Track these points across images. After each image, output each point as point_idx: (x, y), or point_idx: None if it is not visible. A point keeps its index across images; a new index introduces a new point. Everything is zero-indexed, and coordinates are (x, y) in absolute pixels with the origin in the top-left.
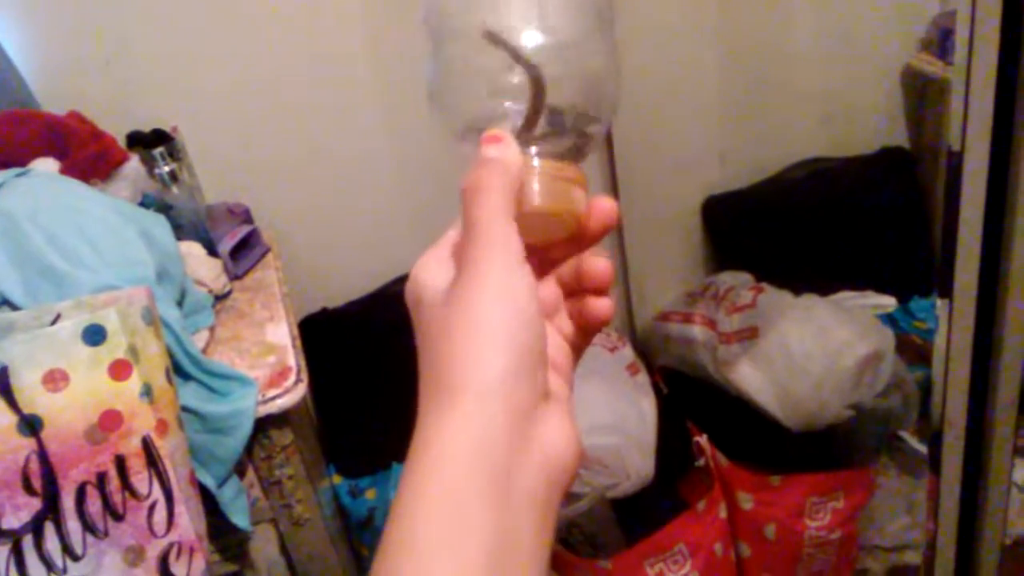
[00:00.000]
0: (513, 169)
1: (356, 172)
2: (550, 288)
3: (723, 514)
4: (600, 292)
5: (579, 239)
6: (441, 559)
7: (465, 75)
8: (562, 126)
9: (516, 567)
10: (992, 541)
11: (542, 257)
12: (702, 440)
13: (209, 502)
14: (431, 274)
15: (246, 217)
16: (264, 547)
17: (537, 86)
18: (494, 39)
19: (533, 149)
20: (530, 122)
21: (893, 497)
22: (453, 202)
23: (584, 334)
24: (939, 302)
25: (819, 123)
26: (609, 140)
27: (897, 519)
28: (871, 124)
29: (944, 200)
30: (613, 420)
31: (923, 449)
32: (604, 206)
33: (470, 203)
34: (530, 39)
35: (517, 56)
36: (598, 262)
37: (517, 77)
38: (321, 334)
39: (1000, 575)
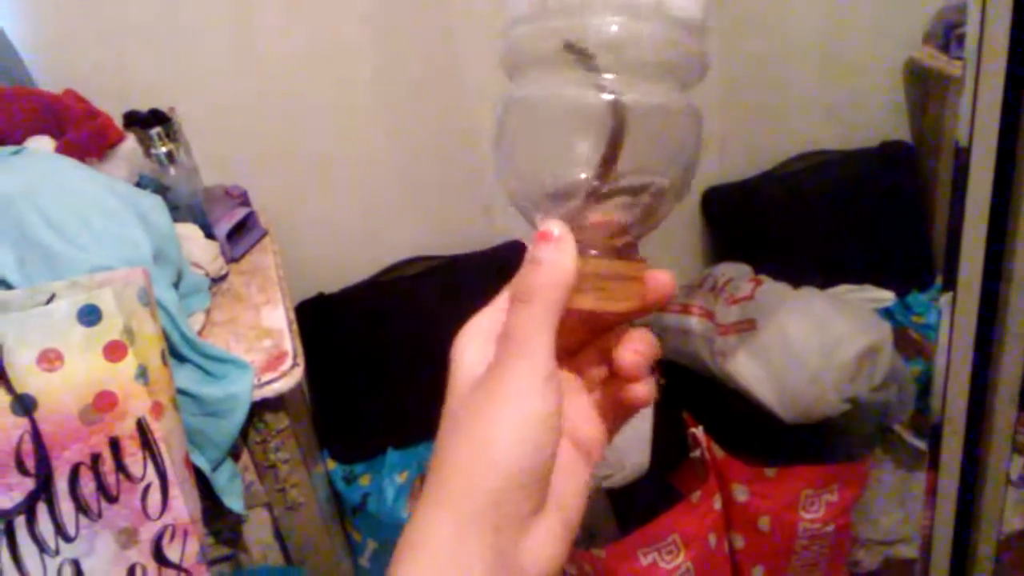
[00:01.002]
0: (565, 277)
1: (355, 156)
2: (593, 361)
3: (718, 505)
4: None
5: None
6: None
7: (537, 141)
8: (630, 193)
9: None
10: (989, 535)
11: (594, 325)
12: (698, 431)
13: (203, 485)
14: (469, 352)
15: (243, 200)
16: (258, 531)
17: (618, 118)
18: (573, 49)
19: (592, 252)
20: (604, 171)
21: (887, 490)
22: (453, 189)
23: (619, 414)
24: (943, 296)
25: (820, 116)
26: None
27: (891, 512)
28: (872, 117)
29: (951, 195)
30: None
31: (918, 443)
32: (661, 280)
33: (512, 309)
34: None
35: (592, 68)
36: (625, 356)
37: (592, 147)
38: (317, 319)
39: (995, 570)
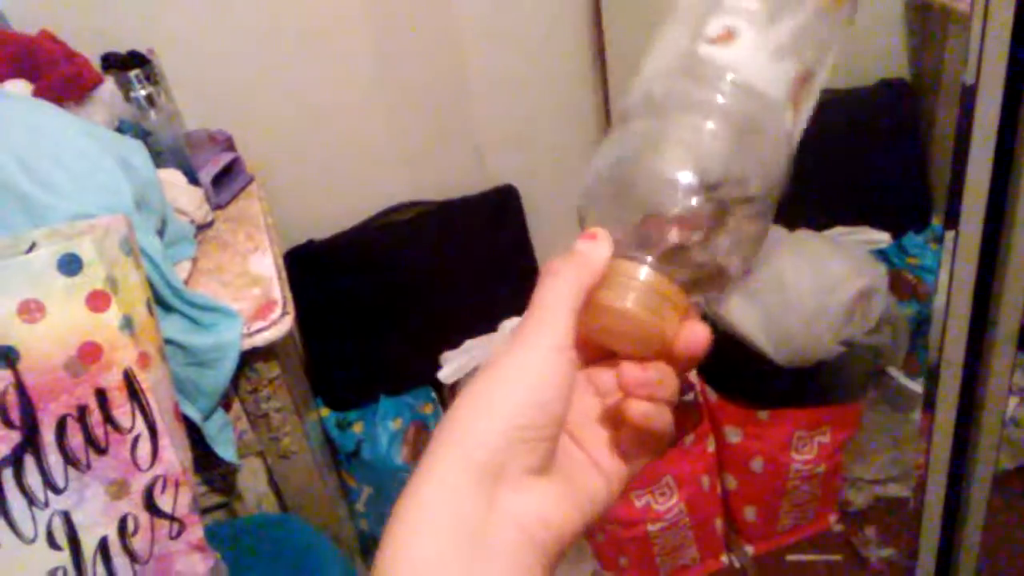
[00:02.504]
0: (593, 265)
1: (343, 100)
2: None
3: (711, 448)
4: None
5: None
6: None
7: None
8: (691, 262)
9: None
10: (984, 476)
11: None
12: (691, 375)
13: (195, 435)
14: None
15: (228, 144)
16: (252, 479)
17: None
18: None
19: (648, 258)
20: (672, 250)
21: (879, 431)
22: (443, 133)
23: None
24: (945, 234)
25: None
26: (604, 86)
27: (882, 453)
28: (870, 55)
29: (955, 134)
30: None
31: (911, 385)
32: (696, 331)
33: (540, 284)
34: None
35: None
36: (627, 372)
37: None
38: (307, 266)
39: (988, 510)
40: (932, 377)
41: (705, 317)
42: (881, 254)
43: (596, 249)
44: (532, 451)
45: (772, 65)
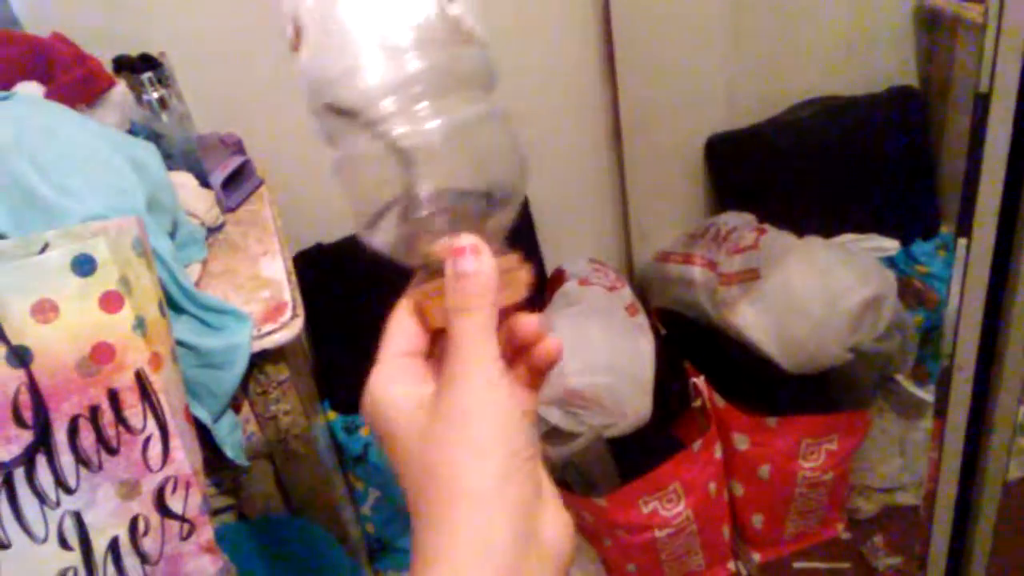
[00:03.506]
0: (493, 283)
1: None
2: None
3: (718, 454)
4: (535, 342)
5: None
6: None
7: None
8: (467, 211)
9: None
10: (994, 483)
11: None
12: (699, 381)
13: (204, 437)
14: (395, 387)
15: (238, 148)
16: (260, 481)
17: (405, 157)
18: (337, 111)
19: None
20: (409, 203)
21: (887, 439)
22: None
23: (540, 375)
24: (957, 242)
25: (827, 61)
26: (612, 78)
27: (890, 461)
28: (881, 62)
29: (968, 141)
30: (611, 360)
31: (919, 392)
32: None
33: (456, 323)
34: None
35: (366, 122)
36: (526, 323)
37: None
38: (316, 269)
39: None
40: (943, 383)
41: (714, 326)
42: (890, 261)
43: (485, 265)
44: (534, 473)
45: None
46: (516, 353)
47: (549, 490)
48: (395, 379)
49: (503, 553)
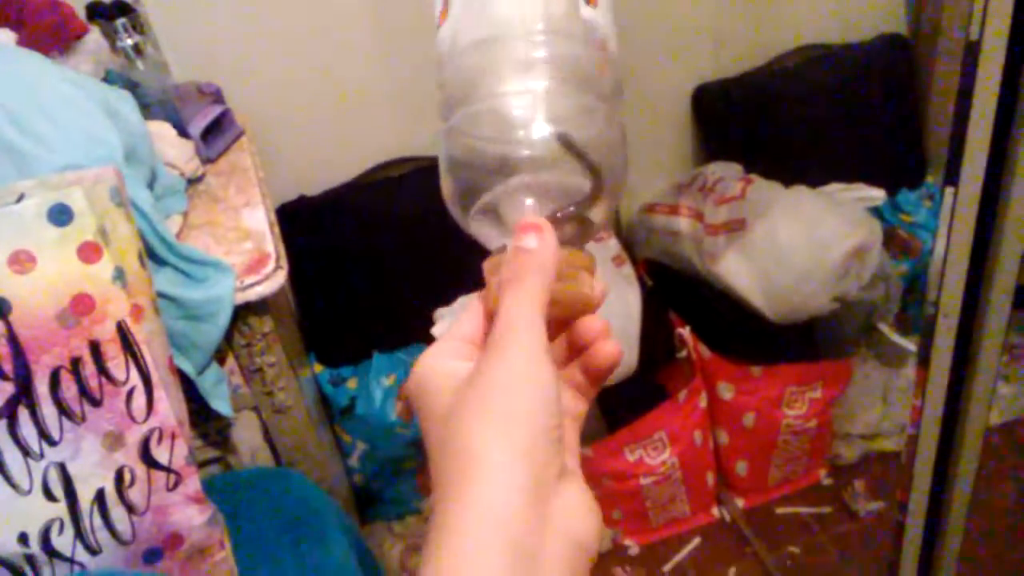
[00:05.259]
0: (551, 263)
1: (335, 52)
2: (560, 345)
3: (703, 403)
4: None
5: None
6: None
7: (478, 152)
8: (557, 197)
9: None
10: (976, 431)
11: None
12: (685, 332)
13: (190, 389)
14: (446, 361)
15: (217, 97)
16: (247, 433)
17: (597, 187)
18: (567, 144)
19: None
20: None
21: (869, 387)
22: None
23: (594, 380)
24: (945, 190)
25: (815, 8)
26: None
27: (872, 408)
28: (868, 9)
29: (958, 89)
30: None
31: (902, 341)
32: (598, 290)
33: (507, 292)
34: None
35: (586, 162)
36: (587, 320)
37: (527, 151)
38: (300, 222)
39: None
40: (928, 331)
41: (699, 276)
42: (875, 211)
43: (547, 244)
44: (558, 453)
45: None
46: (573, 352)
47: (576, 477)
48: (446, 355)
49: (518, 528)
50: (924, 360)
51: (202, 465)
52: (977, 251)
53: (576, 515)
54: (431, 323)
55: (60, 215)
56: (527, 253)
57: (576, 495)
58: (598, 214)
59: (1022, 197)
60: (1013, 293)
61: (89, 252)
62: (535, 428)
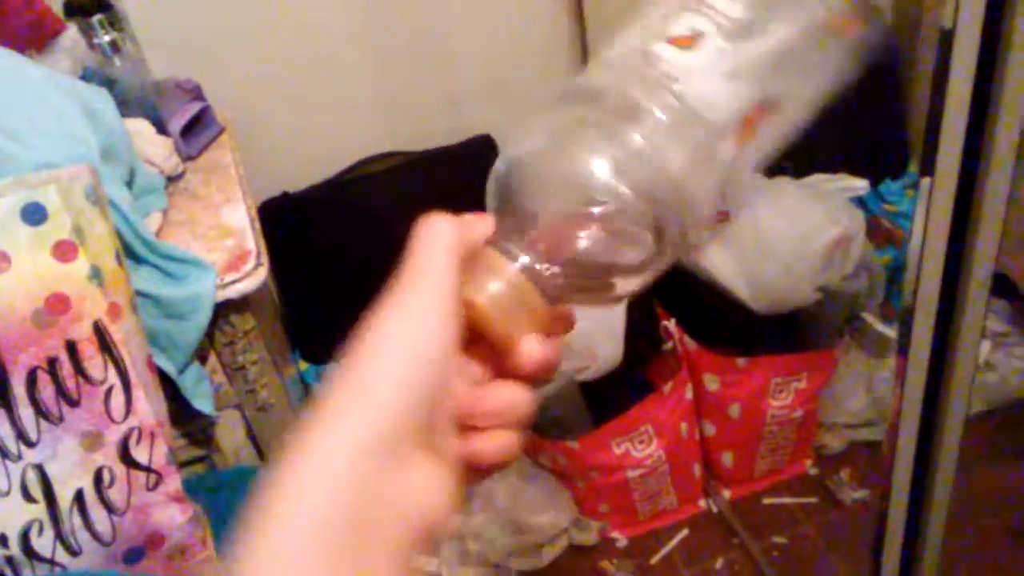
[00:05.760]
0: (472, 233)
1: (318, 47)
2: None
3: (689, 395)
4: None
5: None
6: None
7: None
8: (579, 272)
9: None
10: (956, 420)
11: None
12: (670, 324)
13: (171, 388)
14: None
15: (196, 94)
16: (231, 432)
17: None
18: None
19: (522, 257)
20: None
21: (854, 377)
22: (420, 82)
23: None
24: (921, 180)
25: None
26: (579, 10)
27: (857, 397)
28: None
29: (932, 78)
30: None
31: (886, 330)
32: (530, 347)
33: (417, 237)
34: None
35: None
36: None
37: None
38: (282, 219)
39: (960, 452)
40: (906, 321)
41: (684, 268)
42: (859, 201)
43: (478, 222)
44: (425, 421)
45: (725, 86)
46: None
47: (444, 456)
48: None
49: (346, 479)
50: (903, 348)
51: (186, 464)
52: (954, 239)
53: (421, 492)
54: None
55: (34, 214)
56: (461, 218)
57: (428, 472)
58: (628, 285)
59: (998, 185)
60: (991, 281)
61: (64, 251)
62: (410, 380)
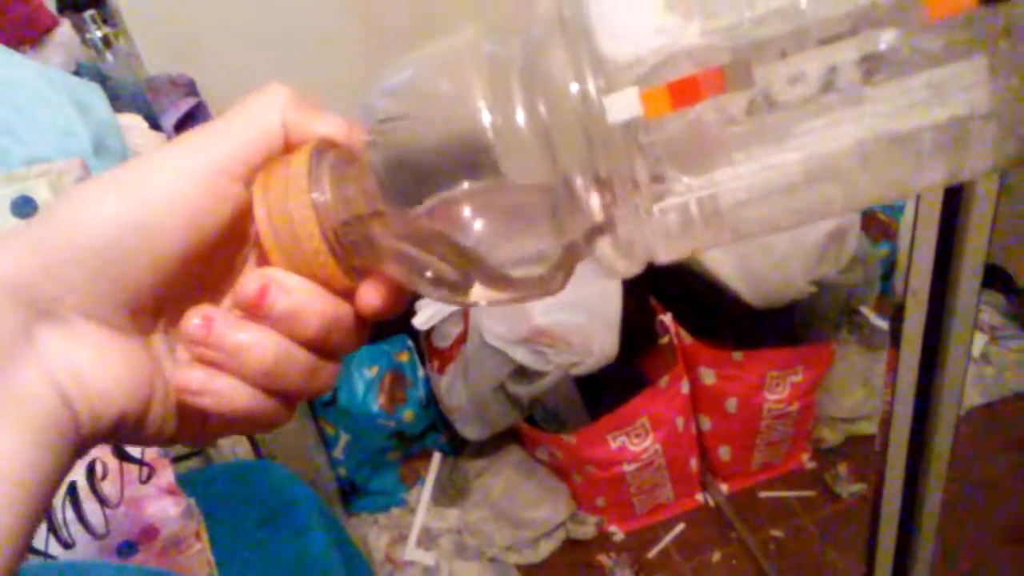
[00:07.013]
0: (317, 128)
1: (311, 42)
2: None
3: (685, 389)
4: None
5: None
6: None
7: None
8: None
9: None
10: (949, 413)
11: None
12: (666, 318)
13: None
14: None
15: (190, 89)
16: None
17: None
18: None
19: (324, 191)
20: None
21: (850, 370)
22: None
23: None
24: None
25: None
26: None
27: (853, 391)
28: None
29: None
30: (577, 298)
31: (882, 324)
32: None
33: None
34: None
35: None
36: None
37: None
38: None
39: (954, 446)
40: (898, 312)
41: (679, 262)
42: None
43: (330, 121)
44: (110, 292)
45: None
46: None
47: (125, 331)
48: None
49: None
50: (895, 340)
51: (182, 458)
52: (945, 229)
53: (81, 366)
54: (412, 313)
55: (24, 207)
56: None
57: (99, 349)
58: (487, 295)
59: (988, 175)
60: (983, 271)
61: None
62: (91, 243)
